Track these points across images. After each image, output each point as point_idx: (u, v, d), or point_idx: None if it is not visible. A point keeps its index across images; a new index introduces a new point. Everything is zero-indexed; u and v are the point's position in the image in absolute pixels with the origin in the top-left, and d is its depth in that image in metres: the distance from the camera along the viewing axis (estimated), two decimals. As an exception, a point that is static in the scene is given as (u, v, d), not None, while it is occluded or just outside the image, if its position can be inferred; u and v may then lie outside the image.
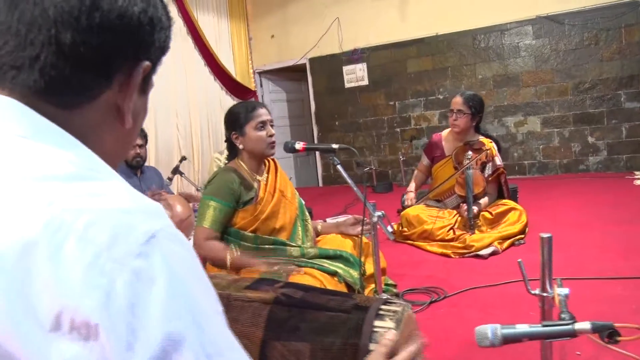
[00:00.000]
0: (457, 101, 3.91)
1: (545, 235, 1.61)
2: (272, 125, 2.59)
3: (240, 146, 2.53)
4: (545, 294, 1.62)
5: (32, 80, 0.61)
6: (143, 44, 0.67)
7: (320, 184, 8.40)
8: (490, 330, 1.35)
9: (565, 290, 1.62)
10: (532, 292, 1.67)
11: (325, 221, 3.17)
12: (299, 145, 2.57)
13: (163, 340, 0.50)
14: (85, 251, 0.49)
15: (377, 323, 1.23)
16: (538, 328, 1.34)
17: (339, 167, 2.53)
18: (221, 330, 0.58)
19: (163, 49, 0.72)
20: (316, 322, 1.25)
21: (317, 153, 7.57)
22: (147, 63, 0.68)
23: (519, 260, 1.70)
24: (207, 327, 0.55)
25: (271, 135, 2.54)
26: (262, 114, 2.54)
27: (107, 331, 0.48)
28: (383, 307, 1.30)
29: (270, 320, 1.28)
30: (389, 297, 1.48)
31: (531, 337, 1.35)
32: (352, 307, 1.28)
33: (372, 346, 1.19)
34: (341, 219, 4.51)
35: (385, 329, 1.22)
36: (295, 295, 1.34)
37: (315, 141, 8.17)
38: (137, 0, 0.65)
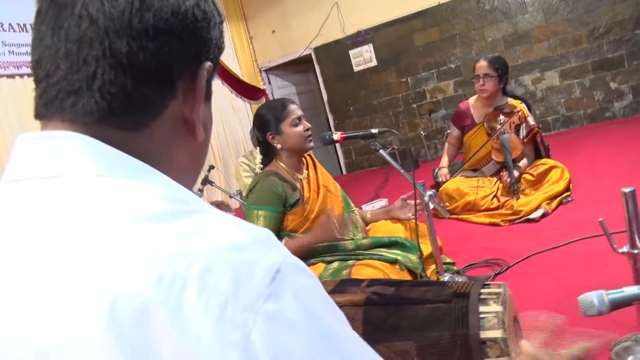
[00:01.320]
0: (482, 65, 3.79)
1: (627, 189, 1.53)
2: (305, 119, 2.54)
3: (279, 146, 2.47)
4: (636, 251, 1.54)
5: (93, 102, 0.54)
6: (201, 42, 0.61)
7: (344, 172, 8.33)
8: (595, 297, 1.28)
9: (655, 244, 1.54)
10: (620, 250, 1.60)
11: (361, 208, 3.11)
12: (336, 136, 2.51)
13: None
14: (209, 304, 0.42)
15: (482, 309, 1.17)
16: (649, 288, 1.27)
17: (381, 151, 2.46)
18: (369, 355, 0.52)
19: (220, 47, 0.65)
20: (417, 318, 1.19)
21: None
22: (208, 64, 0.62)
23: (600, 219, 1.62)
24: (349, 344, 0.49)
25: (307, 129, 2.48)
26: (295, 109, 2.49)
27: None
28: (483, 290, 1.24)
29: (366, 322, 1.22)
30: (484, 278, 1.41)
31: (642, 299, 1.27)
32: (451, 296, 1.22)
33: (483, 334, 1.13)
34: (377, 204, 4.47)
35: (493, 313, 1.16)
36: (386, 292, 1.28)
37: (332, 129, 8.09)
38: None
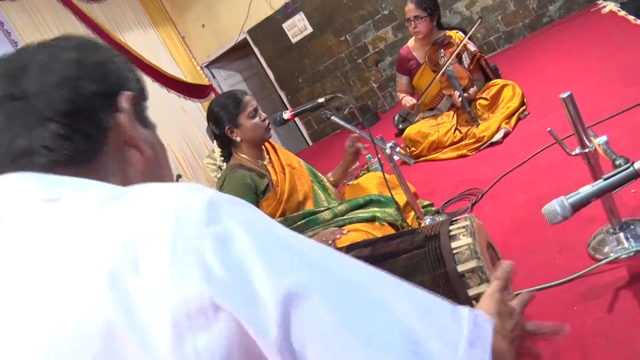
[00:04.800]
0: (410, 8, 3.81)
1: (564, 95, 1.58)
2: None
3: (238, 139, 2.47)
4: (586, 150, 1.60)
5: (40, 157, 0.63)
6: (103, 81, 0.69)
7: (310, 143, 8.36)
8: (557, 205, 1.34)
9: (603, 138, 1.60)
10: (572, 153, 1.66)
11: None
12: (286, 115, 2.53)
13: (280, 280, 0.49)
14: (160, 246, 0.49)
15: (454, 244, 1.22)
16: (601, 183, 1.33)
17: (333, 118, 2.49)
18: (313, 245, 0.57)
19: (127, 76, 0.74)
20: (397, 270, 1.24)
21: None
22: (127, 93, 0.71)
23: (549, 129, 1.68)
24: (303, 247, 0.55)
25: (264, 120, 2.49)
26: (250, 100, 2.49)
27: (224, 301, 0.47)
28: (451, 227, 1.29)
29: (352, 287, 1.26)
30: (450, 216, 1.46)
31: (598, 194, 1.34)
32: (423, 241, 1.27)
33: (460, 267, 1.19)
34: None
35: (465, 246, 1.21)
36: (363, 254, 1.33)
37: (288, 106, 8.09)
38: (64, 64, 0.67)
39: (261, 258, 0.50)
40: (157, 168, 0.75)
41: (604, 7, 5.01)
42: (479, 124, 3.56)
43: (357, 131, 2.52)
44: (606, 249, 1.62)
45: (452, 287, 1.17)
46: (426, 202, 2.82)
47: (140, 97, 0.75)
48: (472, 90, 3.77)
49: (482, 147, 3.43)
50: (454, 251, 1.21)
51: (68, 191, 0.60)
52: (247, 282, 0.48)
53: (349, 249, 1.39)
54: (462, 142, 3.58)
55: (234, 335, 0.47)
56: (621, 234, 1.62)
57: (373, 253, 1.32)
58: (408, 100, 4.07)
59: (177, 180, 4.61)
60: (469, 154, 3.48)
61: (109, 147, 0.68)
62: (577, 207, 1.33)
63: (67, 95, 0.65)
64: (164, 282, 0.47)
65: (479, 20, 3.89)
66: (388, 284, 0.58)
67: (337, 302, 0.51)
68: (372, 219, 2.40)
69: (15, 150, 0.63)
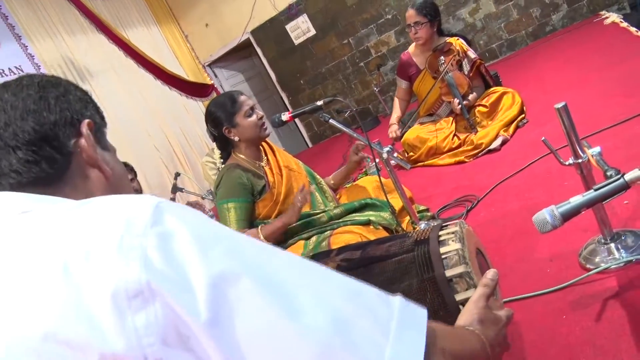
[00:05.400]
0: (411, 14, 3.82)
1: (559, 105, 1.59)
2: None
3: (236, 138, 2.49)
4: (579, 160, 1.61)
5: (10, 179, 0.72)
6: (64, 111, 0.78)
7: (310, 145, 8.36)
8: (547, 214, 1.35)
9: (597, 149, 1.61)
10: (566, 163, 1.66)
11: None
12: (285, 117, 2.55)
13: (212, 268, 0.54)
14: (110, 241, 0.54)
15: (443, 249, 1.23)
16: (592, 194, 1.34)
17: (331, 121, 2.50)
18: (251, 241, 0.62)
19: (86, 105, 0.84)
20: (386, 272, 1.25)
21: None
22: (87, 120, 0.81)
23: (543, 138, 1.69)
24: (237, 242, 0.60)
25: (261, 118, 2.51)
26: (245, 100, 2.52)
27: (160, 286, 0.52)
28: (441, 232, 1.30)
29: (341, 289, 1.27)
30: (442, 221, 1.47)
31: (588, 205, 1.35)
32: (413, 245, 1.28)
33: (448, 272, 1.19)
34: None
35: (454, 251, 1.22)
36: (354, 257, 1.34)
37: (289, 107, 8.10)
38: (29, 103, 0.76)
39: (198, 251, 0.55)
40: (117, 185, 0.84)
41: (607, 18, 5.04)
42: (477, 131, 3.57)
43: (354, 135, 2.53)
44: (597, 259, 1.63)
45: (439, 291, 1.17)
46: (422, 207, 2.83)
47: (99, 123, 0.86)
48: (471, 97, 3.78)
49: (479, 154, 3.43)
50: (443, 256, 1.21)
51: (40, 204, 0.67)
52: (183, 272, 0.53)
53: (340, 251, 1.40)
54: (460, 149, 3.59)
55: (168, 318, 0.52)
56: (612, 245, 1.63)
57: (363, 256, 1.32)
58: (392, 131, 4.14)
59: (175, 179, 4.61)
60: (467, 160, 3.48)
61: (73, 169, 0.77)
62: (567, 216, 1.34)
63: (31, 126, 0.74)
64: (109, 268, 0.52)
65: (458, 48, 3.91)
66: (318, 272, 0.63)
67: (266, 286, 0.56)
68: (367, 223, 2.41)
69: None
